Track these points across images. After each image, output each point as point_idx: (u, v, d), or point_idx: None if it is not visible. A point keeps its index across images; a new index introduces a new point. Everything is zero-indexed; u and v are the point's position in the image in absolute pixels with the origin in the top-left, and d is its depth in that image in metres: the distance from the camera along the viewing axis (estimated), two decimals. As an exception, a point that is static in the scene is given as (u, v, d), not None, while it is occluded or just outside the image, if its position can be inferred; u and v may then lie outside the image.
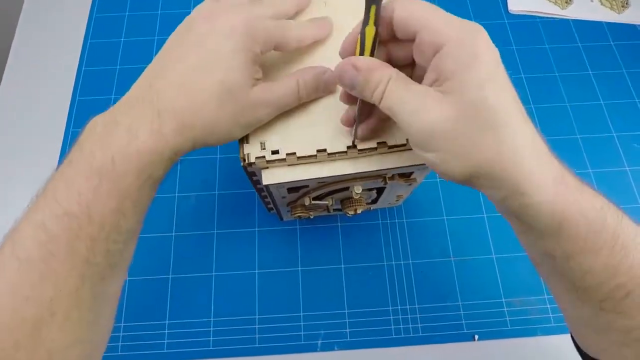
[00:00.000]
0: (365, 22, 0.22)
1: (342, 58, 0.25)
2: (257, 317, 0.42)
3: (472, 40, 0.20)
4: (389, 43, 0.25)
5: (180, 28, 0.27)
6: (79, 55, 0.54)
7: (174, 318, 0.42)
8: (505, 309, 0.42)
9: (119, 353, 0.40)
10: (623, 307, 0.22)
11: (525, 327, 0.41)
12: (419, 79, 0.23)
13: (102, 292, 0.25)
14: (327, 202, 0.34)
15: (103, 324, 0.27)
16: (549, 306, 0.42)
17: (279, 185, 0.29)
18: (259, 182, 0.30)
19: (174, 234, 0.45)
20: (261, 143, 0.28)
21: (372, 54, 0.23)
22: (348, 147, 0.28)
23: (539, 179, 0.21)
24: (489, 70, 0.20)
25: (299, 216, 0.34)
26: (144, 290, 0.43)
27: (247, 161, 0.28)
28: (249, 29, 0.25)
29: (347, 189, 0.32)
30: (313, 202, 0.33)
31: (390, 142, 0.28)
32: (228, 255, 0.44)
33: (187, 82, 0.25)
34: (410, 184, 0.33)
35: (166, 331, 0.41)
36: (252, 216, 0.46)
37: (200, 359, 0.40)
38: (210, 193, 0.46)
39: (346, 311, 0.42)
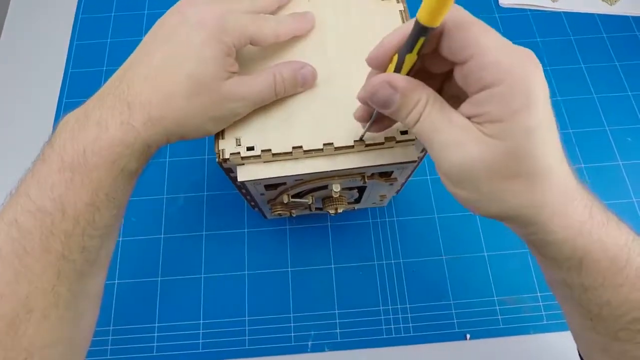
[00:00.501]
0: (408, 50, 0.20)
1: (370, 66, 0.23)
2: (247, 318, 0.41)
3: (527, 83, 0.18)
4: (428, 55, 0.22)
5: (157, 22, 0.27)
6: (65, 57, 0.53)
7: (164, 321, 0.41)
8: (498, 307, 0.42)
9: (108, 357, 0.40)
10: None
11: (518, 325, 0.41)
12: (450, 97, 0.21)
13: (81, 289, 0.25)
14: (307, 201, 0.33)
15: (85, 323, 0.26)
16: (541, 304, 0.42)
17: (255, 182, 0.28)
18: (236, 178, 0.29)
19: (162, 236, 0.44)
20: (237, 139, 0.28)
21: (407, 74, 0.21)
22: (324, 144, 0.27)
23: (565, 220, 0.21)
24: (540, 115, 0.19)
25: (279, 214, 0.34)
26: (133, 293, 0.42)
27: (222, 157, 0.27)
28: (221, 21, 0.25)
29: (326, 187, 0.31)
30: (292, 200, 0.32)
31: (369, 140, 0.27)
32: (217, 256, 0.44)
33: (156, 75, 0.24)
34: (391, 184, 0.33)
35: (155, 334, 0.41)
36: (241, 217, 0.45)
37: (189, 362, 0.40)
38: (199, 194, 0.46)
39: (336, 311, 0.41)
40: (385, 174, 0.32)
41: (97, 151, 0.23)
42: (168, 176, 0.47)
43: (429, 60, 0.22)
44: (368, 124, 0.26)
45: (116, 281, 0.43)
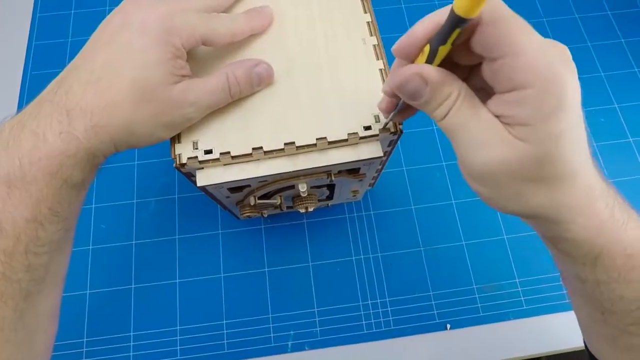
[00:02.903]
0: (442, 42, 0.19)
1: (395, 55, 0.22)
2: (224, 322, 0.40)
3: (561, 87, 0.18)
4: (458, 46, 0.21)
5: (101, 23, 0.25)
6: (24, 58, 0.51)
7: (139, 329, 0.40)
8: (477, 296, 0.42)
9: (84, 369, 0.39)
10: None
11: (498, 312, 0.41)
12: (475, 89, 0.20)
13: (30, 309, 0.24)
14: (275, 201, 0.32)
15: (39, 342, 0.25)
16: (520, 289, 0.42)
17: (216, 186, 0.27)
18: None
19: (134, 242, 0.43)
20: (193, 142, 0.27)
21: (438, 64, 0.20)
22: (285, 144, 0.26)
23: (586, 220, 0.20)
24: (570, 119, 0.18)
25: (248, 215, 0.33)
26: (106, 302, 0.41)
27: (179, 162, 0.26)
28: (166, 22, 0.24)
29: (293, 187, 0.30)
30: (260, 201, 0.31)
31: (331, 138, 0.26)
32: (192, 260, 0.43)
33: (97, 80, 0.23)
34: (360, 180, 0.32)
35: (132, 343, 0.40)
36: (215, 219, 0.44)
37: (168, 369, 0.39)
38: (170, 197, 0.45)
39: (316, 309, 0.41)
40: (353, 171, 0.31)
41: (35, 162, 0.21)
42: (137, 180, 0.45)
43: (457, 52, 0.21)
44: (392, 113, 0.25)
45: (88, 291, 0.41)
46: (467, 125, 0.20)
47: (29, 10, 0.54)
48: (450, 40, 0.19)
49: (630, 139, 0.47)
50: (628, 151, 0.47)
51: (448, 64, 0.21)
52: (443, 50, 0.19)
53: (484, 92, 0.20)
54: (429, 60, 0.20)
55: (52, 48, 0.52)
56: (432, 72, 0.20)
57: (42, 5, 0.54)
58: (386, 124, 0.27)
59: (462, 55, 0.21)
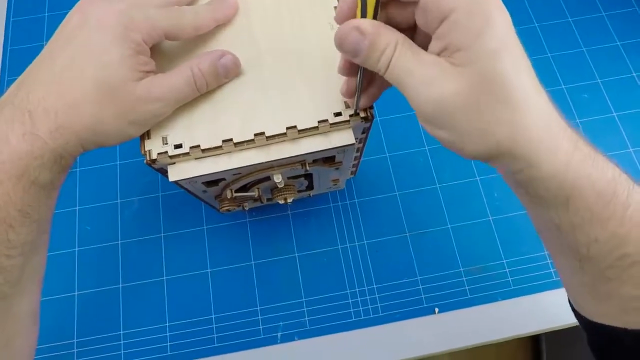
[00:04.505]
0: None
1: (338, 23, 0.22)
2: (213, 316, 0.41)
3: (483, 5, 0.19)
4: (389, 5, 0.22)
5: (61, 23, 0.25)
6: (2, 35, 0.51)
7: (129, 327, 0.40)
8: (464, 278, 0.42)
9: (76, 370, 0.39)
10: (627, 276, 0.22)
11: (485, 294, 0.41)
12: (422, 46, 0.21)
13: (5, 312, 0.24)
14: (253, 194, 0.32)
15: (19, 345, 0.25)
16: (507, 270, 0.42)
17: (188, 180, 0.27)
18: (170, 178, 0.28)
19: (120, 242, 0.43)
20: (163, 138, 0.26)
21: (374, 18, 0.21)
22: (255, 135, 0.26)
23: (550, 152, 0.20)
24: (502, 37, 0.19)
25: (227, 209, 0.33)
26: (95, 302, 0.41)
27: (149, 158, 0.26)
28: (125, 19, 0.23)
29: (269, 178, 0.30)
30: (237, 194, 0.31)
31: (301, 126, 0.26)
32: (178, 257, 0.43)
33: (59, 80, 0.23)
34: (337, 168, 0.32)
35: (122, 342, 0.40)
36: (199, 214, 0.44)
37: (159, 365, 0.39)
38: (154, 195, 0.45)
39: (304, 300, 0.41)
40: (328, 160, 0.31)
41: None
42: (120, 180, 0.45)
43: (393, 11, 0.22)
44: (356, 96, 0.25)
45: (76, 292, 0.41)
46: (411, 70, 0.20)
47: (2, 15, 0.53)
48: None
49: (614, 114, 0.46)
50: (613, 126, 0.46)
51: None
52: None
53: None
54: (363, 13, 0.21)
55: (26, 52, 0.51)
56: (367, 23, 0.20)
57: (15, 10, 0.53)
58: (356, 110, 0.26)
59: (397, 13, 0.22)
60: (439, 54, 0.20)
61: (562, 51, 0.49)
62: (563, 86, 0.47)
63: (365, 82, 0.25)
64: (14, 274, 0.23)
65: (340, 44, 0.21)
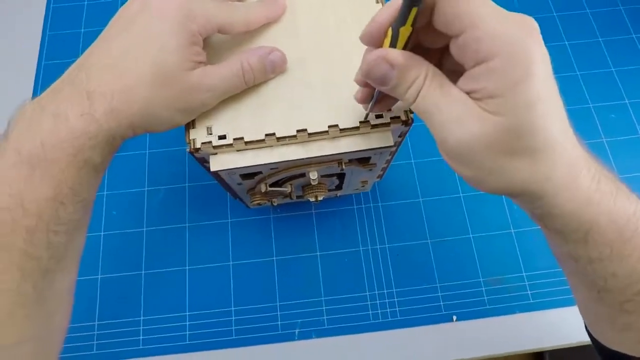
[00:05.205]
0: (401, 23, 0.19)
1: (364, 43, 0.22)
2: (233, 309, 0.41)
3: (526, 53, 0.18)
4: (422, 29, 0.21)
5: (119, 9, 0.26)
6: (38, 48, 0.52)
7: (149, 314, 0.41)
8: (484, 289, 0.42)
9: (94, 352, 0.40)
10: None
11: (504, 306, 0.41)
12: (449, 72, 0.21)
13: (49, 287, 0.24)
14: (286, 189, 0.33)
15: (55, 320, 0.26)
16: (527, 283, 0.42)
17: (229, 171, 0.28)
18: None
19: (144, 229, 0.44)
20: (208, 128, 0.27)
21: (404, 48, 0.21)
22: (298, 131, 0.26)
23: (572, 193, 0.20)
24: (540, 88, 0.18)
25: (258, 203, 0.33)
26: (117, 287, 0.42)
27: (193, 147, 0.27)
28: (184, 9, 0.24)
29: (304, 174, 0.31)
30: (271, 188, 0.31)
31: (343, 125, 0.27)
32: (201, 248, 0.43)
33: (117, 64, 0.23)
34: (370, 169, 0.32)
35: (141, 327, 0.41)
36: (224, 207, 0.44)
37: (176, 353, 0.40)
38: (180, 185, 0.45)
39: (323, 298, 0.41)
40: (363, 160, 0.31)
41: (56, 144, 0.22)
42: (148, 168, 0.46)
43: (424, 35, 0.21)
44: (371, 104, 0.25)
45: (99, 276, 0.42)
46: (438, 105, 0.20)
47: (43, 1, 0.54)
48: (409, 21, 0.19)
49: (641, 135, 0.47)
50: (639, 147, 0.46)
51: (420, 50, 0.21)
52: (404, 32, 0.20)
53: (457, 75, 0.20)
54: (393, 44, 0.20)
55: (65, 38, 0.52)
56: (397, 54, 0.20)
57: (56, -4, 0.55)
58: (366, 115, 0.27)
59: (429, 37, 0.21)
60: (468, 93, 0.19)
61: (591, 70, 0.49)
62: (590, 105, 0.48)
63: (381, 94, 0.24)
64: (60, 250, 0.24)
65: (367, 73, 0.21)
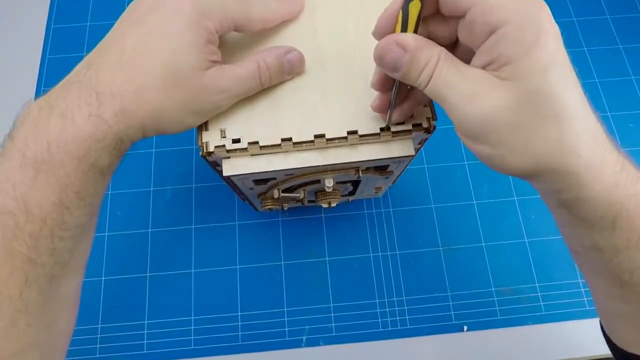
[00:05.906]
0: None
1: (377, 39, 0.21)
2: (239, 314, 0.40)
3: (535, 19, 0.18)
4: (430, 19, 0.22)
5: (130, 4, 0.25)
6: (42, 42, 0.50)
7: (153, 317, 0.40)
8: (495, 299, 0.41)
9: (97, 355, 0.39)
10: None
11: (516, 317, 0.40)
12: (463, 61, 0.21)
13: (53, 293, 0.23)
14: (298, 195, 0.32)
15: (60, 327, 0.25)
16: (539, 294, 0.41)
17: (241, 177, 0.27)
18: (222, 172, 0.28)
19: (150, 230, 0.43)
20: (221, 130, 0.26)
21: (415, 32, 0.20)
22: (315, 136, 0.25)
23: (598, 171, 0.19)
24: (553, 52, 0.18)
25: (269, 208, 0.32)
26: (121, 289, 0.41)
27: (205, 150, 0.25)
28: (200, 6, 0.23)
29: (319, 181, 0.30)
30: (283, 194, 0.30)
31: (363, 132, 0.26)
32: (207, 250, 0.42)
33: (128, 63, 0.22)
34: (387, 177, 0.31)
35: (145, 331, 0.40)
36: (232, 210, 0.44)
37: (181, 358, 0.39)
38: (187, 186, 0.44)
39: (331, 305, 0.40)
40: (380, 168, 0.30)
41: (62, 146, 0.21)
42: (154, 168, 0.45)
43: (434, 26, 0.22)
44: (389, 112, 0.24)
45: (103, 278, 0.41)
46: (453, 84, 0.20)
47: (49, -8, 0.53)
48: None
49: (659, 145, 0.46)
50: (655, 157, 0.45)
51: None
52: (414, 9, 0.19)
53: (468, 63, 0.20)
54: (404, 27, 0.20)
55: (70, 32, 0.51)
56: (408, 37, 0.20)
57: (62, -12, 0.53)
58: (387, 123, 0.26)
59: (439, 28, 0.21)
60: (483, 68, 0.19)
61: (610, 77, 0.48)
62: (609, 113, 0.47)
63: (399, 99, 0.24)
64: (65, 256, 0.23)
65: (379, 59, 0.21)
